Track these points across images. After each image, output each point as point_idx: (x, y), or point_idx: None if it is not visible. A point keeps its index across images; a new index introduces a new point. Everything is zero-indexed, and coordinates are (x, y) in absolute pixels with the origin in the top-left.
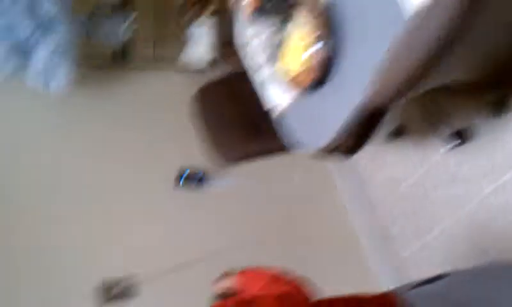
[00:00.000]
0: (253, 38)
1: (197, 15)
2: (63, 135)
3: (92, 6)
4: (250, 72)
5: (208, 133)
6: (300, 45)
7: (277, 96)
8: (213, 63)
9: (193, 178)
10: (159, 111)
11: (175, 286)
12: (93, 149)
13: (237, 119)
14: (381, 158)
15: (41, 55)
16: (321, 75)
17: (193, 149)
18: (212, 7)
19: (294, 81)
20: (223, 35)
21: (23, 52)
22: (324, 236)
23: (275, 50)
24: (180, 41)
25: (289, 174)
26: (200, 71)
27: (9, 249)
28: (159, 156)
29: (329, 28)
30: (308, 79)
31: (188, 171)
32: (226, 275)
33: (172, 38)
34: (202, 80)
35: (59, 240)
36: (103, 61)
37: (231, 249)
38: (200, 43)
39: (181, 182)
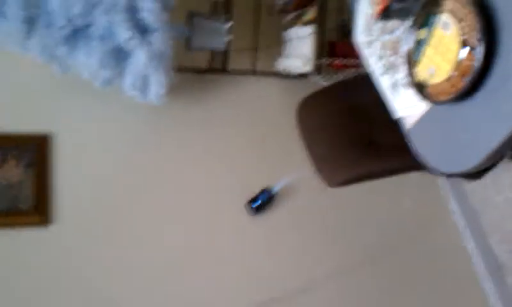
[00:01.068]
0: (380, 36)
1: (295, 22)
2: (156, 141)
3: (190, 12)
4: (373, 76)
5: (312, 151)
6: (448, 46)
7: (410, 105)
8: (314, 70)
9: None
10: (257, 119)
11: None
12: (184, 156)
13: (348, 134)
14: (502, 178)
15: (139, 61)
16: (473, 82)
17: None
18: (310, 14)
19: (437, 88)
20: (322, 41)
21: (120, 57)
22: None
23: (412, 51)
24: (278, 49)
25: (398, 196)
26: (301, 77)
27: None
28: (249, 172)
29: (486, 27)
30: (455, 86)
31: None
32: None
33: (270, 47)
34: (304, 87)
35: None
36: (200, 68)
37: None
38: (299, 51)
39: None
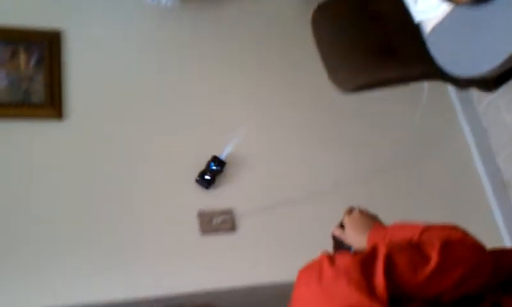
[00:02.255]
0: None
1: None
2: (169, 49)
3: None
4: None
5: (328, 57)
6: None
7: (431, 8)
8: None
9: None
10: (271, 32)
11: (275, 222)
12: (198, 64)
13: (365, 40)
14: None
15: None
16: None
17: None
18: None
19: None
20: None
21: None
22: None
23: None
24: None
25: (410, 109)
26: None
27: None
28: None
29: None
30: None
31: None
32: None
33: None
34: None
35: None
36: None
37: (341, 186)
38: None
39: None
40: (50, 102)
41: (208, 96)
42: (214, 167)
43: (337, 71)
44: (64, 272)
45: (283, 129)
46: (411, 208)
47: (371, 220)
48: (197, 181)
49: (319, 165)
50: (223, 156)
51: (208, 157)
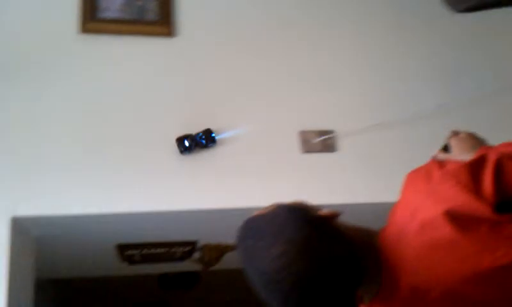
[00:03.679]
0: None
1: None
2: None
3: None
4: None
5: None
6: None
7: None
8: None
9: None
10: None
11: (375, 144)
12: None
13: None
14: None
15: None
16: None
17: None
18: None
19: None
20: None
21: None
22: None
23: None
24: None
25: None
26: None
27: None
28: None
29: None
30: None
31: None
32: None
33: None
34: None
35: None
36: None
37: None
38: None
39: None
40: (162, 20)
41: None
42: (200, 139)
43: None
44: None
45: (383, 51)
46: None
47: (478, 142)
48: (177, 140)
49: (419, 89)
50: (221, 135)
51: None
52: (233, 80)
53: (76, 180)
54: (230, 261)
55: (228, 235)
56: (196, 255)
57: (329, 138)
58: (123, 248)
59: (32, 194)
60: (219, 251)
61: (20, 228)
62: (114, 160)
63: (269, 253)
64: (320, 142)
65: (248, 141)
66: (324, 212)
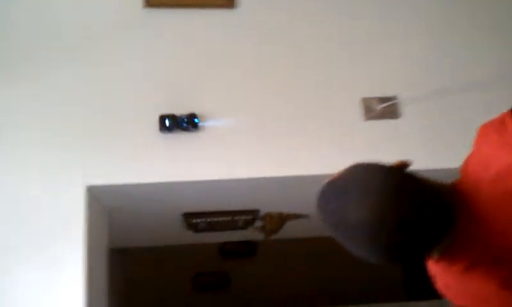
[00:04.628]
0: None
1: None
2: None
3: None
4: None
5: None
6: None
7: None
8: None
9: None
10: None
11: (438, 110)
12: None
13: None
14: None
15: None
16: None
17: None
18: None
19: None
20: None
21: None
22: None
23: None
24: None
25: None
26: None
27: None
28: None
29: None
30: None
31: None
32: None
33: None
34: None
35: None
36: None
37: None
38: None
39: None
40: None
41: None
42: (182, 123)
43: None
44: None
45: (445, 16)
46: None
47: None
48: (160, 117)
49: (483, 55)
50: (205, 121)
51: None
52: (292, 49)
53: (146, 151)
54: (289, 230)
55: (289, 204)
56: (258, 223)
57: (392, 105)
58: (188, 216)
59: (105, 164)
60: (280, 219)
61: (94, 196)
62: (184, 133)
63: (363, 207)
64: (383, 109)
65: (313, 110)
66: (397, 162)
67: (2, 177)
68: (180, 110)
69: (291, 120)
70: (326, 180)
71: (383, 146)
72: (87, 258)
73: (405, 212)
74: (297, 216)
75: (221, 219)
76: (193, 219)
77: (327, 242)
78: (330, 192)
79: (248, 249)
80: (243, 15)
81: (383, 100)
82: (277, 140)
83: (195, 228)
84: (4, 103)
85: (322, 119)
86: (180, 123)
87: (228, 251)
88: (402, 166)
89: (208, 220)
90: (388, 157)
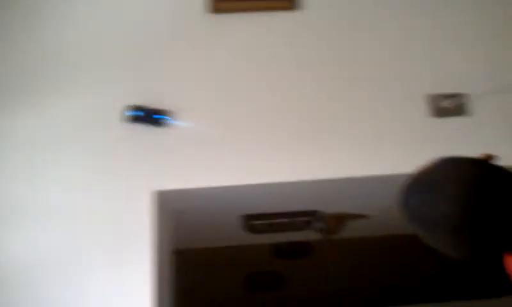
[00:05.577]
0: None
1: None
2: None
3: None
4: None
5: None
6: None
7: None
8: None
9: None
10: None
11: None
12: None
13: None
14: None
15: None
16: None
17: None
18: None
19: None
20: None
21: None
22: None
23: None
24: None
25: None
26: None
27: None
28: None
29: None
30: None
31: None
32: None
33: None
34: None
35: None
36: None
37: None
38: None
39: None
40: None
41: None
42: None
43: None
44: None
45: None
46: None
47: None
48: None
49: None
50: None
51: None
52: (355, 50)
53: (211, 156)
54: (347, 230)
55: (349, 204)
56: (317, 224)
57: (460, 101)
58: (248, 218)
59: (172, 170)
60: (340, 220)
61: (162, 200)
62: (248, 136)
63: (452, 200)
64: (451, 105)
65: (376, 109)
66: (482, 155)
67: (78, 181)
68: None
69: (353, 120)
70: (411, 175)
71: (452, 143)
72: (155, 259)
73: (493, 204)
74: (356, 216)
75: (280, 220)
76: (253, 221)
77: (383, 242)
78: (417, 186)
79: (301, 248)
80: (305, 16)
81: (450, 96)
82: (341, 141)
83: (254, 229)
84: (87, 113)
85: (386, 118)
86: None
87: (281, 250)
88: (487, 159)
89: (268, 221)
90: (458, 154)
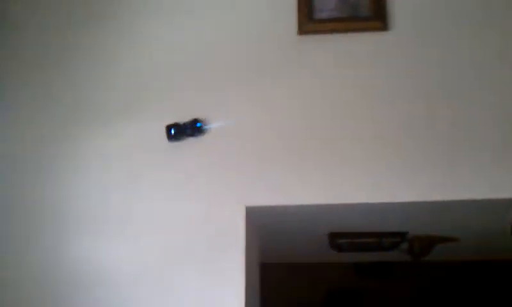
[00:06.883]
0: None
1: None
2: None
3: None
4: None
5: None
6: None
7: None
8: None
9: None
10: None
11: None
12: None
13: None
14: None
15: None
16: None
17: None
18: None
19: None
20: None
21: None
22: None
23: None
24: None
25: None
26: None
27: None
28: None
29: None
30: None
31: None
32: None
33: None
34: None
35: None
36: None
37: None
38: None
39: None
40: (375, 15)
41: None
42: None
43: None
44: None
45: None
46: None
47: None
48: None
49: None
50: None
51: None
52: (449, 70)
53: (299, 174)
54: (436, 253)
55: (439, 228)
56: (405, 246)
57: None
58: (334, 236)
59: (262, 186)
60: (429, 242)
61: (252, 216)
62: (331, 156)
63: None
64: None
65: (472, 129)
66: None
67: (175, 193)
68: None
69: (447, 141)
70: None
71: None
72: (245, 271)
73: None
74: (446, 239)
75: (367, 239)
76: (339, 239)
77: (472, 266)
78: None
79: (384, 269)
80: (396, 37)
81: None
82: (431, 161)
83: (339, 248)
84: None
85: (483, 138)
86: None
87: (363, 269)
88: None
89: (354, 240)
90: None
